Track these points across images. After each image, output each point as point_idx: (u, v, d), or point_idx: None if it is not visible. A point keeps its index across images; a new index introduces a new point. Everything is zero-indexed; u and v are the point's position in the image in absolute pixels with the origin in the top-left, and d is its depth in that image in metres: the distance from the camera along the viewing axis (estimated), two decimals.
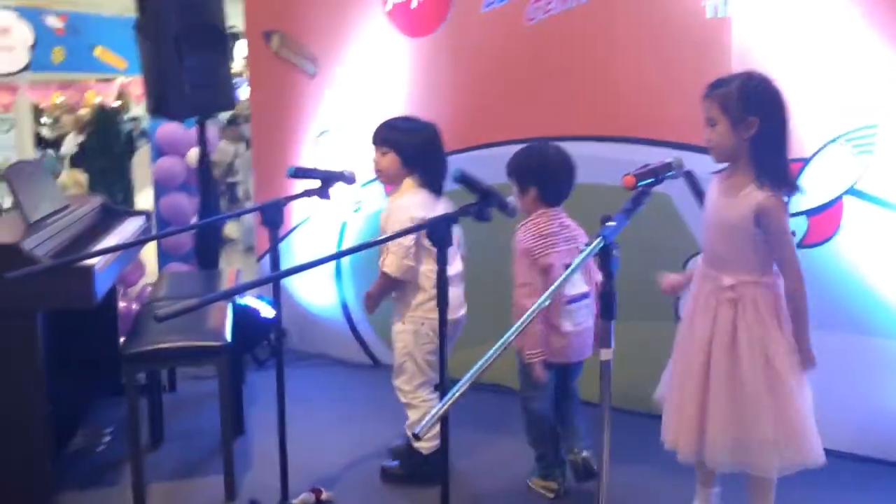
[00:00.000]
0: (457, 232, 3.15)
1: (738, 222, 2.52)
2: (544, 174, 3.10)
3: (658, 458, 2.96)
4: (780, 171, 2.53)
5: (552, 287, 1.87)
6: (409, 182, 3.23)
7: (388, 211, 3.25)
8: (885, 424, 3.39)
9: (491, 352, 1.71)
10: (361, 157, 4.63)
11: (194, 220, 5.59)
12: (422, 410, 3.20)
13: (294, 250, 4.86)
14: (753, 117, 2.48)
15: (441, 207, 3.14)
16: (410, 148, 3.22)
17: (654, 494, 3.15)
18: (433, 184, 3.23)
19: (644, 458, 3.17)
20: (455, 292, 3.17)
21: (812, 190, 3.41)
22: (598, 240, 1.91)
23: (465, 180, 2.39)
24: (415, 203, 3.17)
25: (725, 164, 2.63)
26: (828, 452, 2.79)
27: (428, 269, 3.17)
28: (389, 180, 3.27)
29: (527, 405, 3.18)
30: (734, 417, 2.54)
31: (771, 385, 2.52)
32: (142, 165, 6.29)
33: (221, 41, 4.41)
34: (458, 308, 3.24)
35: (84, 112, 10.92)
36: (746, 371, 2.52)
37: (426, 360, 3.22)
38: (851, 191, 3.34)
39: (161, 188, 5.77)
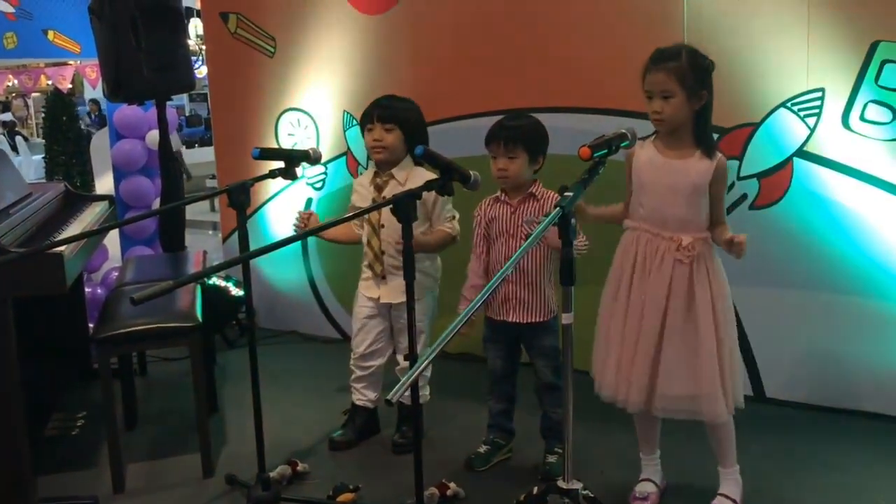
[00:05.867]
0: None
1: (697, 185, 2.64)
2: (546, 147, 3.10)
3: (618, 416, 3.08)
4: (712, 139, 2.73)
5: (514, 256, 1.97)
6: (408, 157, 3.29)
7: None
8: (837, 375, 3.54)
9: (455, 321, 1.79)
10: (323, 136, 4.70)
11: (156, 202, 5.56)
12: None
13: (257, 228, 4.90)
14: (704, 91, 2.60)
15: None
16: (414, 125, 3.30)
17: (614, 449, 3.26)
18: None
19: (607, 417, 3.28)
20: None
21: (762, 153, 3.53)
22: (557, 210, 2.00)
23: (427, 156, 2.46)
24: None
25: (654, 132, 2.75)
26: (785, 403, 2.93)
27: None
28: (392, 156, 3.28)
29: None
30: (690, 372, 2.65)
31: (721, 338, 2.66)
32: (100, 149, 6.22)
33: (179, 21, 4.39)
34: None
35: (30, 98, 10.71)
36: (704, 327, 2.64)
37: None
38: (800, 153, 3.47)
39: (120, 172, 5.74)
